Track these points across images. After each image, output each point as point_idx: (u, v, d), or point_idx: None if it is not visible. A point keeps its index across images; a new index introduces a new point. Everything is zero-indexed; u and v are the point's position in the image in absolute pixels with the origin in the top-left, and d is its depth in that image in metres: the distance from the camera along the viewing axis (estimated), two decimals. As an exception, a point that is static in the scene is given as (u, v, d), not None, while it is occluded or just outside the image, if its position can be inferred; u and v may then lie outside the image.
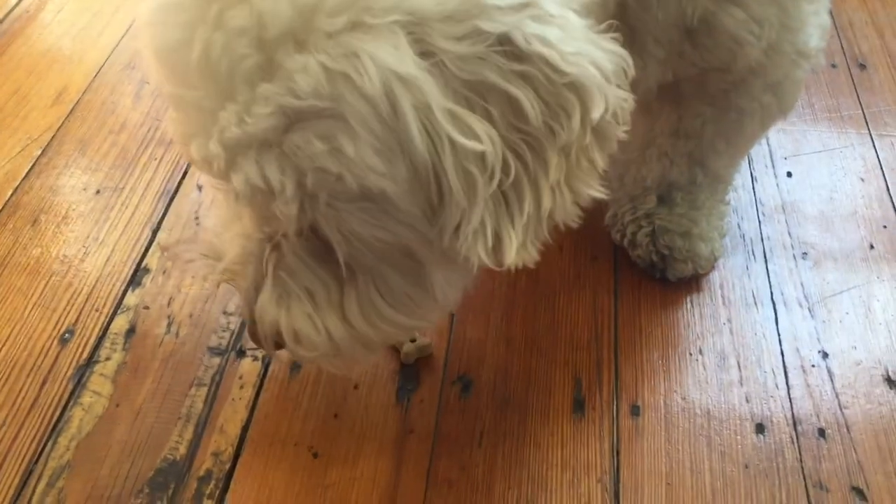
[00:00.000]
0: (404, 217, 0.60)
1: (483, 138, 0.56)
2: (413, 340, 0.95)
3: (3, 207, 1.08)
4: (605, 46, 0.61)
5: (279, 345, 0.72)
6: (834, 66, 1.41)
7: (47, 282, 1.00)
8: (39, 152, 1.15)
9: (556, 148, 0.59)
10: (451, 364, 0.96)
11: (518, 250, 0.61)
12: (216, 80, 0.56)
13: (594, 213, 1.10)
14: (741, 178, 1.20)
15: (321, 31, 0.53)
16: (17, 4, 1.40)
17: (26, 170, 1.12)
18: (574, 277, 1.06)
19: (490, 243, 0.60)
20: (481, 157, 0.57)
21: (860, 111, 1.33)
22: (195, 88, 0.57)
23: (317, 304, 0.69)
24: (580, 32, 0.60)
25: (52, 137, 1.17)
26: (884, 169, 1.23)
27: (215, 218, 0.74)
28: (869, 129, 1.30)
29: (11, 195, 1.09)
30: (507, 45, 0.56)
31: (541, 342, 0.99)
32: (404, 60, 0.54)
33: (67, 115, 1.20)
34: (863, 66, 1.41)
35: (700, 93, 0.92)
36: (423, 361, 0.95)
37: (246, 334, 0.96)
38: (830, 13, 1.48)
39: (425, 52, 0.54)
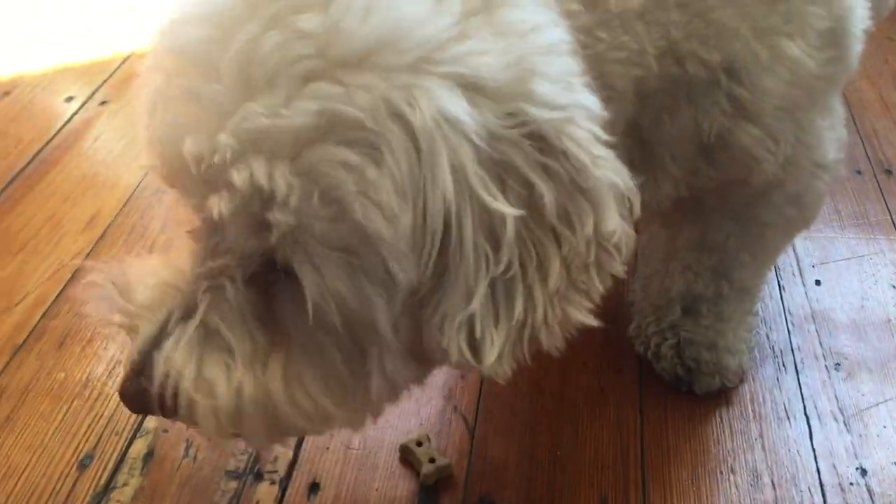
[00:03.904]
0: (384, 282, 0.57)
1: (505, 206, 0.56)
2: (432, 461, 0.93)
3: (31, 332, 1.09)
4: (625, 174, 0.61)
5: (164, 405, 0.63)
6: (859, 172, 1.41)
7: (69, 406, 1.00)
8: (69, 277, 1.17)
9: (560, 256, 0.59)
10: (471, 485, 0.93)
11: (496, 358, 0.59)
12: (250, 75, 0.54)
13: (618, 324, 1.10)
14: (768, 288, 1.18)
15: (385, 64, 0.54)
16: (56, 134, 1.46)
17: (55, 294, 1.14)
18: (598, 392, 1.04)
19: (475, 338, 0.59)
20: (496, 235, 0.56)
21: (888, 216, 1.31)
22: (217, 82, 0.55)
23: (236, 359, 0.62)
24: (608, 153, 0.61)
25: (82, 263, 1.20)
26: (917, 275, 1.21)
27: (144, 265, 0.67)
28: (901, 236, 1.28)
29: (39, 320, 1.11)
30: (538, 139, 0.57)
31: (565, 461, 0.96)
32: (457, 105, 0.54)
33: (98, 239, 1.23)
34: (889, 172, 1.41)
35: (722, 206, 0.92)
36: (443, 483, 0.93)
37: (264, 457, 0.95)
38: (854, 121, 1.50)
39: (474, 118, 0.55)
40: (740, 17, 0.74)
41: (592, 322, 0.62)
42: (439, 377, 1.04)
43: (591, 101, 0.60)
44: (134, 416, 0.99)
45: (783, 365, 1.08)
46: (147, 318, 0.63)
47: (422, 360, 0.65)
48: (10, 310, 1.12)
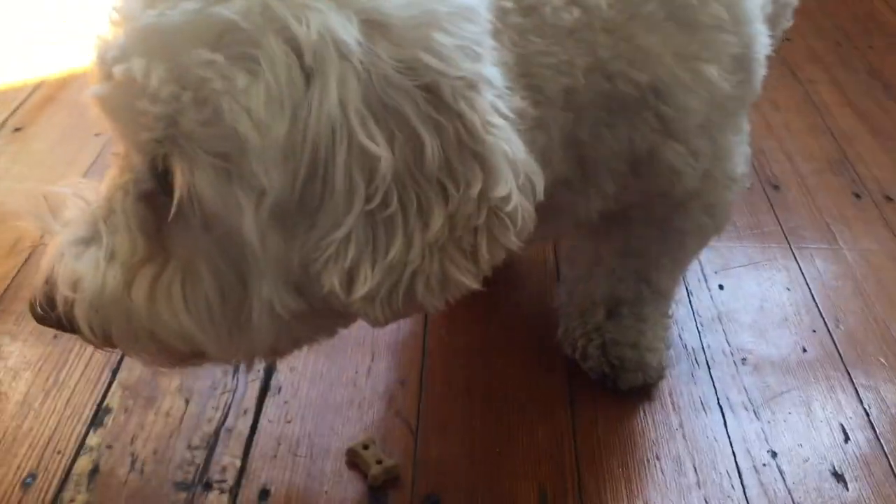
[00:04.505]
0: (255, 189, 0.60)
1: (382, 149, 0.58)
2: (379, 462, 0.96)
3: (-41, 356, 1.07)
4: (520, 147, 0.65)
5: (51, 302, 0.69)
6: (750, 188, 1.52)
7: (6, 428, 0.99)
8: (-5, 300, 1.16)
9: (445, 212, 0.61)
10: (418, 484, 0.97)
11: (366, 297, 0.61)
12: None
13: (546, 327, 1.16)
14: (678, 293, 1.27)
15: None
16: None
17: (-19, 317, 1.13)
18: (530, 391, 1.10)
19: (346, 269, 0.61)
20: (369, 170, 0.59)
21: (779, 227, 1.43)
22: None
23: (113, 259, 0.67)
24: (504, 124, 0.64)
25: (8, 286, 1.18)
26: (806, 278, 1.32)
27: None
28: (789, 243, 1.39)
29: (-32, 344, 1.09)
30: (433, 93, 0.60)
31: (504, 457, 1.01)
32: (349, 33, 0.57)
33: (22, 265, 1.22)
34: (776, 187, 1.53)
35: (646, 217, 0.99)
36: (391, 483, 0.96)
37: (212, 466, 0.96)
38: (742, 141, 1.62)
39: (365, 53, 0.58)
40: (663, 43, 0.81)
41: (474, 285, 0.64)
42: (380, 384, 1.08)
43: (495, 75, 0.64)
44: (75, 433, 0.99)
45: (696, 361, 1.17)
46: (62, 232, 0.69)
47: (308, 294, 0.65)
48: (-66, 335, 1.10)
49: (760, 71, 0.91)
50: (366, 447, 0.98)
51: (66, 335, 1.08)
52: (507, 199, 0.63)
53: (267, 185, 0.59)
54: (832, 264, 1.36)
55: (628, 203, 0.94)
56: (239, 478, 0.96)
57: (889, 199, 1.52)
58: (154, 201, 0.66)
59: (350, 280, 0.61)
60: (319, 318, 0.70)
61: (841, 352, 1.19)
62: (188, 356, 0.72)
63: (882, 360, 1.18)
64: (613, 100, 0.81)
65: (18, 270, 1.21)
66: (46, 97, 1.60)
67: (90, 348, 1.07)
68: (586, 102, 0.80)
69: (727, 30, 0.84)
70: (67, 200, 0.71)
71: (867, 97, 1.83)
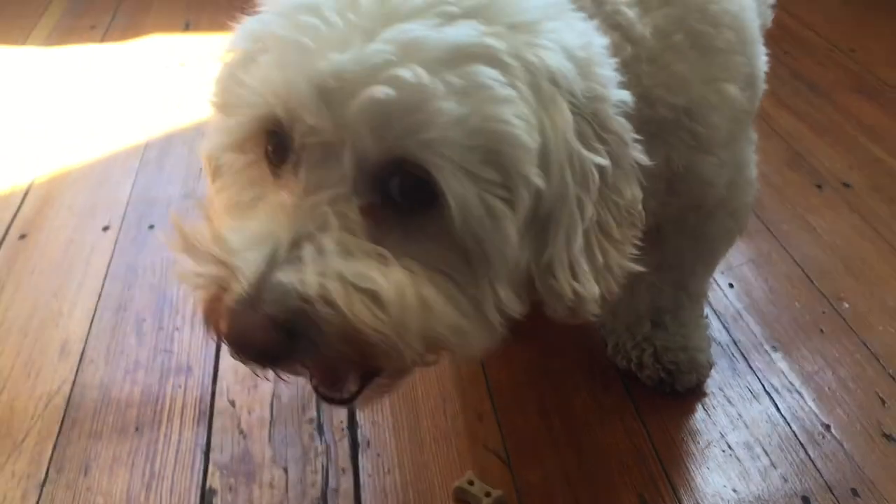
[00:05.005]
0: (503, 199, 0.65)
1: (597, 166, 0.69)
2: (488, 495, 1.02)
3: (49, 465, 1.07)
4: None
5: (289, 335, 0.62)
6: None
7: (122, 524, 1.00)
8: (65, 404, 1.15)
9: (612, 216, 0.72)
10: (527, 508, 1.03)
11: (591, 300, 0.71)
12: (393, 8, 0.63)
13: (592, 345, 1.24)
14: (697, 297, 1.37)
15: (497, 20, 0.66)
16: (-18, 274, 1.42)
17: (58, 424, 1.12)
18: (598, 410, 1.17)
19: (579, 278, 0.70)
20: (588, 188, 0.69)
21: (762, 224, 1.56)
22: (354, 12, 0.63)
23: (387, 265, 0.64)
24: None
25: (73, 387, 1.18)
26: (801, 266, 1.45)
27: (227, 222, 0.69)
28: (776, 238, 1.52)
29: (53, 452, 1.09)
30: (599, 118, 0.71)
31: (595, 471, 1.08)
32: (569, 70, 0.68)
33: (79, 364, 1.22)
34: (749, 189, 1.66)
35: (680, 230, 1.08)
36: (502, 512, 1.02)
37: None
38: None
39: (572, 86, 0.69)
40: (691, 69, 0.90)
41: (638, 267, 0.75)
42: (459, 422, 1.14)
43: (628, 97, 0.75)
44: (191, 519, 1.00)
45: (733, 356, 1.27)
46: (248, 252, 0.63)
47: (522, 296, 0.71)
48: (17, 448, 1.09)
49: (762, 86, 1.02)
50: (471, 483, 1.03)
51: (147, 426, 1.12)
52: (638, 202, 0.75)
53: (535, 184, 0.66)
54: (817, 250, 1.49)
55: (665, 219, 1.04)
56: (362, 531, 1.00)
57: (846, 185, 1.67)
58: (374, 213, 0.66)
59: (581, 286, 0.70)
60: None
61: (852, 327, 1.31)
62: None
63: (890, 329, 1.31)
64: (652, 123, 0.90)
65: (77, 371, 1.21)
66: (44, 199, 1.60)
67: (175, 435, 1.11)
68: (634, 130, 0.89)
69: (738, 52, 0.94)
70: (224, 231, 0.65)
71: (798, 98, 2.00)
